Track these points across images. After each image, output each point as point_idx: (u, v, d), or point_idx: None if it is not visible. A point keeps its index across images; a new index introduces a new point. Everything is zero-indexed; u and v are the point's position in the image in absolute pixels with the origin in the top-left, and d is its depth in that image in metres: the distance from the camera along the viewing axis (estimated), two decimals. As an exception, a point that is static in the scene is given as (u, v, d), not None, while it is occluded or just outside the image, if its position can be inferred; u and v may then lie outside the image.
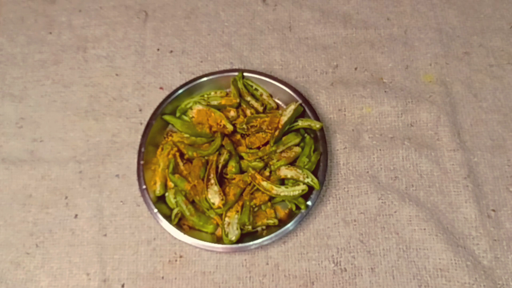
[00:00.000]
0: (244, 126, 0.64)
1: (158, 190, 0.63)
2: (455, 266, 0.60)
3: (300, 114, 0.65)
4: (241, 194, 0.62)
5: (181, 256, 0.63)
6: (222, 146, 0.63)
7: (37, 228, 0.66)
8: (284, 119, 0.63)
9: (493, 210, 0.63)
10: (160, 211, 0.60)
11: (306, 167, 0.62)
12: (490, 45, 0.73)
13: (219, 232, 0.62)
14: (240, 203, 0.61)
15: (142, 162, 0.63)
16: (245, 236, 0.61)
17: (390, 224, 0.63)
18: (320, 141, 0.63)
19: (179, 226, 0.61)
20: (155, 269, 0.63)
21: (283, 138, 0.64)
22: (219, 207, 0.59)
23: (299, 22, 0.77)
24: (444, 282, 0.60)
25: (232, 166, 0.62)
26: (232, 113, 0.66)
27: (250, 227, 0.60)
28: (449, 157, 0.66)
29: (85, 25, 0.78)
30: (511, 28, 0.74)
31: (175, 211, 0.62)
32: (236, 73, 0.67)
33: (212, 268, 0.62)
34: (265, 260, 0.63)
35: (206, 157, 0.63)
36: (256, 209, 0.62)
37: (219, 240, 0.60)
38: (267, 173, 0.63)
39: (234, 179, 0.62)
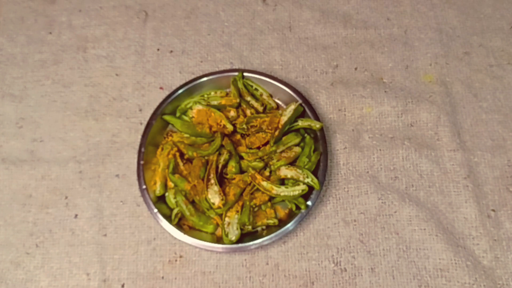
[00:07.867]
0: (244, 126, 0.64)
1: (158, 190, 0.63)
2: (455, 266, 0.60)
3: (300, 114, 0.65)
4: (241, 194, 0.62)
5: (181, 256, 0.63)
6: (222, 146, 0.63)
7: (37, 228, 0.66)
8: (284, 119, 0.63)
9: (493, 210, 0.63)
10: (160, 211, 0.60)
11: (306, 167, 0.62)
12: (490, 45, 0.73)
13: (219, 232, 0.62)
14: (240, 203, 0.61)
15: (142, 162, 0.63)
16: (245, 236, 0.61)
17: (390, 224, 0.63)
18: (320, 141, 0.63)
19: (179, 226, 0.61)
20: (155, 269, 0.63)
21: (283, 138, 0.64)
22: (219, 207, 0.59)
23: (299, 22, 0.77)
24: (444, 282, 0.60)
25: (232, 166, 0.62)
26: (232, 113, 0.66)
27: (250, 227, 0.60)
28: (449, 157, 0.66)
29: (85, 25, 0.78)
30: (511, 28, 0.74)
31: (175, 211, 0.62)
32: (236, 73, 0.67)
33: (212, 268, 0.62)
34: (265, 260, 0.63)
35: (206, 157, 0.63)
36: (256, 209, 0.62)
37: (219, 240, 0.60)
38: (267, 173, 0.63)
39: (234, 179, 0.62)
